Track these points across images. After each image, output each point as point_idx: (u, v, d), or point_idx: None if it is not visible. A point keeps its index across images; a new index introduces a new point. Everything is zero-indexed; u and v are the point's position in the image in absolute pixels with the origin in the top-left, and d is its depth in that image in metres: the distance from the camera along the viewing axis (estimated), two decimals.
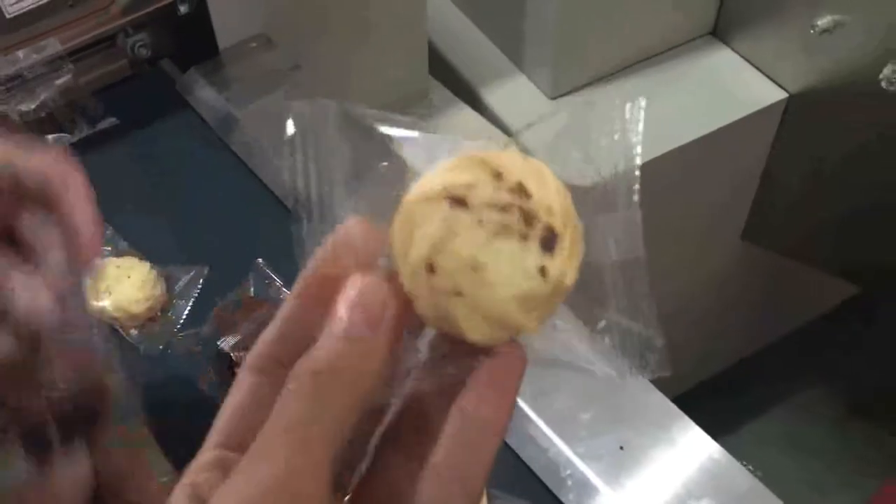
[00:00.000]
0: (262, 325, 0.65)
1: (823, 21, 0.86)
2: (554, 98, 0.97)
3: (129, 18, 0.71)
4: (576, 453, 0.53)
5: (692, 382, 1.37)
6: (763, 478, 1.40)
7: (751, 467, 1.44)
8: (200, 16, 0.74)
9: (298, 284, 0.26)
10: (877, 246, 0.99)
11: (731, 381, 1.40)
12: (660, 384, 1.48)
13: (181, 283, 0.62)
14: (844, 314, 1.45)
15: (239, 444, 0.25)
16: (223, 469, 0.24)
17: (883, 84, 0.83)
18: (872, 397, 1.45)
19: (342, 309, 0.25)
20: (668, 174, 0.94)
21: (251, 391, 0.26)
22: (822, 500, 1.33)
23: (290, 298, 0.27)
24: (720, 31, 1.02)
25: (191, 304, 0.61)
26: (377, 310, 0.25)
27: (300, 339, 0.26)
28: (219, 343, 0.57)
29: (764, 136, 1.01)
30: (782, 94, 0.96)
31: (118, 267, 0.60)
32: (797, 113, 0.97)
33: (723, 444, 1.60)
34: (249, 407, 0.26)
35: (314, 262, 0.26)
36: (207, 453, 0.25)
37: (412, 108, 0.97)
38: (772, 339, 1.42)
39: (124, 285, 0.59)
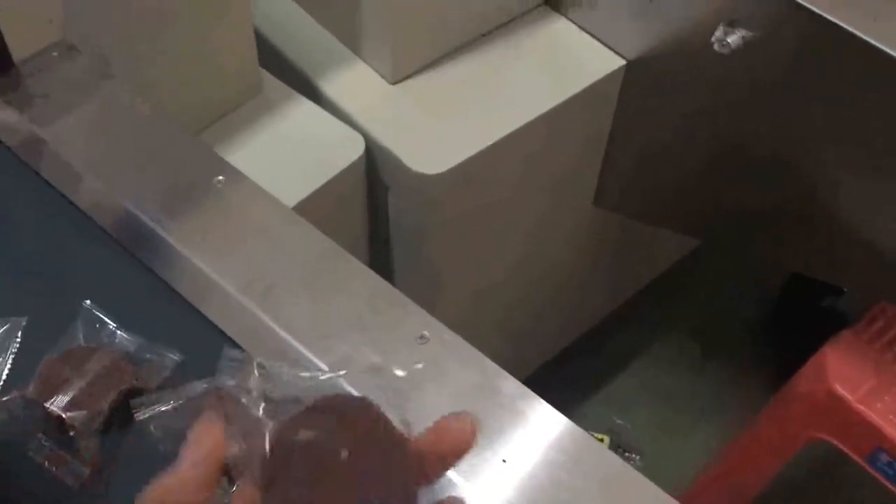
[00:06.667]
0: (98, 378, 0.57)
1: None
2: (395, 83, 0.93)
3: None
4: None
5: (557, 349, 1.39)
6: (622, 426, 1.44)
7: (616, 419, 1.49)
8: None
9: None
10: (711, 198, 1.03)
11: (593, 341, 1.43)
12: (530, 352, 1.48)
13: None
14: (689, 265, 1.51)
15: None
16: None
17: (715, 46, 0.85)
18: (720, 341, 1.52)
19: None
20: (519, 149, 0.93)
21: None
22: (671, 442, 1.39)
23: None
24: (554, 1, 1.01)
25: (10, 361, 0.53)
26: None
27: None
28: (47, 405, 0.50)
29: (606, 104, 1.01)
30: (621, 62, 0.97)
31: None
32: (636, 79, 0.98)
33: (587, 401, 1.63)
34: None
35: None
36: None
37: (246, 103, 0.91)
38: (628, 296, 1.46)
39: None
